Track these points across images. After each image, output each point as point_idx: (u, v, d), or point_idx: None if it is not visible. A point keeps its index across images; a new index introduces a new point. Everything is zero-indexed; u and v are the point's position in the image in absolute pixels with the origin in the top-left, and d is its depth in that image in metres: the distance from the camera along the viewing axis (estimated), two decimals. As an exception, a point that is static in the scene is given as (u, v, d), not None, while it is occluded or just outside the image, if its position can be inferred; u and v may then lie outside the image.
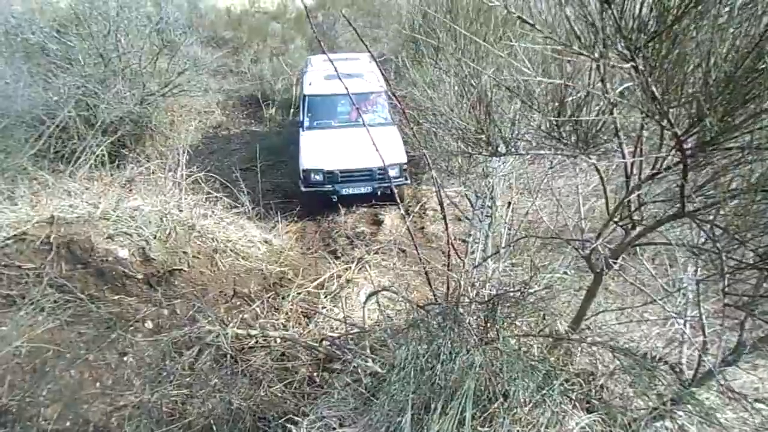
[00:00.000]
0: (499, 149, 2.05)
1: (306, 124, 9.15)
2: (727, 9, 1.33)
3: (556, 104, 1.71)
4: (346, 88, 3.13)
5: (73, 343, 4.02)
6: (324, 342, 3.16)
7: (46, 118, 8.23)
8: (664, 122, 1.52)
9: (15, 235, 4.81)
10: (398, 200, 3.47)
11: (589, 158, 1.94)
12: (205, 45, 14.31)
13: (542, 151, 1.93)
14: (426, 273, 2.72)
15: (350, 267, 6.23)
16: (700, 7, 1.32)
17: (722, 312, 2.18)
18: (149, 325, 4.35)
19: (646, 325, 3.04)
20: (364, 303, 3.09)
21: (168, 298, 4.88)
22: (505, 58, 1.62)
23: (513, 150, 2.04)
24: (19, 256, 4.67)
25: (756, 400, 3.05)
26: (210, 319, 2.94)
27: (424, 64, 2.51)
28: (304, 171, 8.32)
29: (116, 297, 4.65)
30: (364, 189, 8.35)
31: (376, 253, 6.91)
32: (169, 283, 5.12)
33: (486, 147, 2.05)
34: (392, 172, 8.21)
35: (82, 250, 4.82)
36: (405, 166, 8.35)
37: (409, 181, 8.64)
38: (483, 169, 2.97)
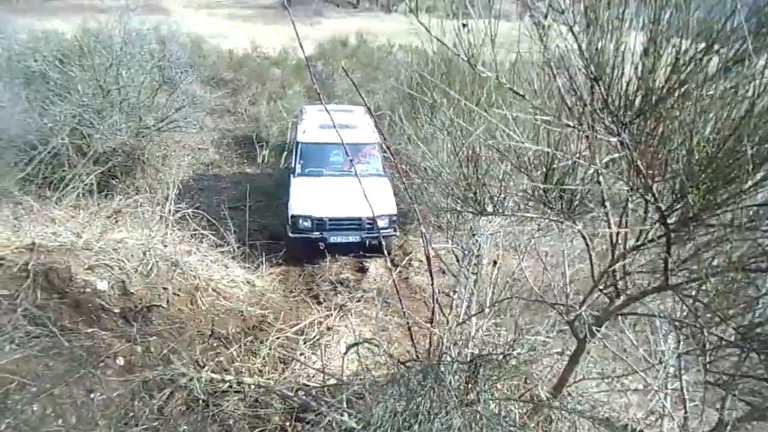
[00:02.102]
0: (486, 209, 2.08)
1: (297, 170, 9.20)
2: (710, 92, 1.40)
3: (544, 170, 1.76)
4: (341, 138, 3.16)
5: (39, 377, 3.87)
6: (299, 392, 3.08)
7: (39, 144, 8.22)
8: (648, 196, 1.56)
9: (-8, 260, 4.72)
10: (385, 252, 3.46)
11: (575, 224, 1.97)
12: (204, 84, 14.55)
13: (529, 214, 1.96)
14: (409, 328, 2.70)
15: (332, 314, 6.16)
16: (683, 89, 1.39)
17: (704, 388, 2.17)
18: (120, 361, 4.21)
19: (627, 395, 3.01)
20: (344, 354, 3.04)
21: (143, 334, 4.75)
22: (496, 122, 1.67)
23: (500, 210, 2.07)
24: (-6, 281, 4.56)
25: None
26: (185, 361, 2.86)
27: (419, 121, 2.57)
28: (292, 217, 8.27)
29: (90, 330, 4.51)
30: (352, 238, 8.28)
31: (359, 301, 6.84)
32: (146, 319, 5.01)
33: (474, 205, 2.09)
34: (381, 223, 8.16)
35: (60, 279, 4.72)
36: (394, 218, 8.33)
37: (397, 233, 8.60)
38: (471, 227, 3.00)
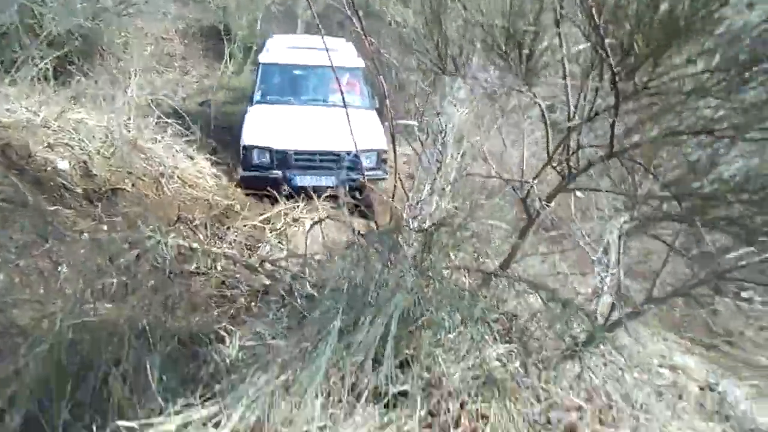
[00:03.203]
0: (447, 68, 2.10)
1: (256, 98, 7.27)
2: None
3: (506, 25, 1.77)
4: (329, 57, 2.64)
5: (2, 247, 3.90)
6: (264, 263, 3.21)
7: (-16, 21, 7.68)
8: (600, 50, 1.61)
9: (-56, 133, 4.57)
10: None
11: (531, 92, 2.03)
12: (169, -33, 13.53)
13: (488, 76, 2.00)
14: (369, 204, 2.80)
15: (298, 206, 6.25)
16: None
17: (626, 234, 2.36)
18: (86, 237, 4.26)
19: (570, 273, 3.25)
20: (308, 230, 3.15)
21: (108, 215, 4.77)
22: None
23: (462, 72, 2.10)
24: (-53, 154, 4.45)
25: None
26: (152, 227, 2.92)
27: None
28: (245, 149, 6.49)
29: (53, 207, 4.50)
30: (326, 181, 6.42)
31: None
32: (110, 201, 5.01)
33: (438, 63, 2.10)
34: (366, 162, 6.41)
35: (18, 156, 4.62)
36: (384, 156, 6.60)
37: (387, 175, 6.63)
38: (437, 109, 3.04)
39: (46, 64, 7.98)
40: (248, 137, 6.58)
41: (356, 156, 5.58)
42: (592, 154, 2.28)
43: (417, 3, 2.11)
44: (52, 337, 2.92)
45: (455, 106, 2.69)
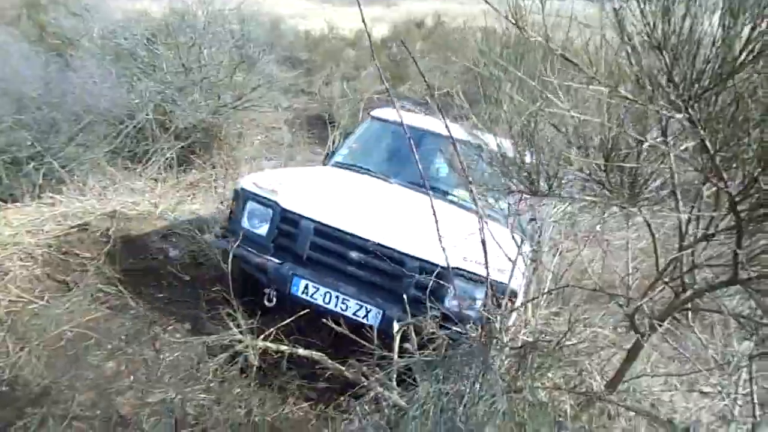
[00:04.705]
0: (539, 189, 1.98)
1: (337, 158, 4.97)
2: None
3: (607, 148, 1.64)
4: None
5: (114, 335, 4.17)
6: (350, 367, 3.14)
7: (126, 118, 8.75)
8: (717, 180, 1.43)
9: (79, 225, 5.11)
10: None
11: (640, 211, 1.85)
12: (281, 64, 14.86)
13: (586, 198, 1.85)
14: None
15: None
16: (761, 63, 1.24)
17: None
18: (188, 326, 4.46)
19: (690, 397, 2.83)
20: (397, 332, 3.05)
21: (210, 302, 5.00)
22: (541, 92, 1.57)
23: (556, 192, 1.97)
24: (79, 244, 4.94)
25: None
26: (242, 328, 3.00)
27: (483, 106, 2.44)
28: (236, 193, 3.99)
29: (160, 295, 4.80)
30: (357, 309, 3.52)
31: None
32: (218, 288, 5.28)
33: (527, 184, 1.99)
34: (457, 297, 3.15)
35: (136, 246, 5.05)
36: (506, 297, 2.74)
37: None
38: (531, 212, 2.90)
39: (172, 154, 8.89)
40: (251, 180, 4.00)
41: (439, 275, 3.01)
42: (713, 273, 2.02)
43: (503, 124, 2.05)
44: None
45: (552, 219, 2.55)
